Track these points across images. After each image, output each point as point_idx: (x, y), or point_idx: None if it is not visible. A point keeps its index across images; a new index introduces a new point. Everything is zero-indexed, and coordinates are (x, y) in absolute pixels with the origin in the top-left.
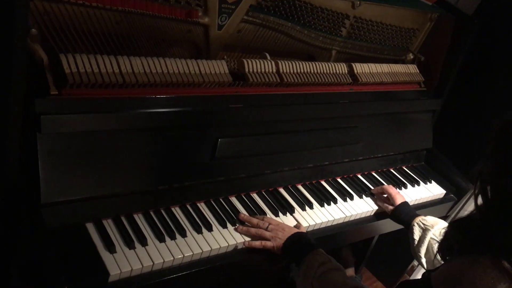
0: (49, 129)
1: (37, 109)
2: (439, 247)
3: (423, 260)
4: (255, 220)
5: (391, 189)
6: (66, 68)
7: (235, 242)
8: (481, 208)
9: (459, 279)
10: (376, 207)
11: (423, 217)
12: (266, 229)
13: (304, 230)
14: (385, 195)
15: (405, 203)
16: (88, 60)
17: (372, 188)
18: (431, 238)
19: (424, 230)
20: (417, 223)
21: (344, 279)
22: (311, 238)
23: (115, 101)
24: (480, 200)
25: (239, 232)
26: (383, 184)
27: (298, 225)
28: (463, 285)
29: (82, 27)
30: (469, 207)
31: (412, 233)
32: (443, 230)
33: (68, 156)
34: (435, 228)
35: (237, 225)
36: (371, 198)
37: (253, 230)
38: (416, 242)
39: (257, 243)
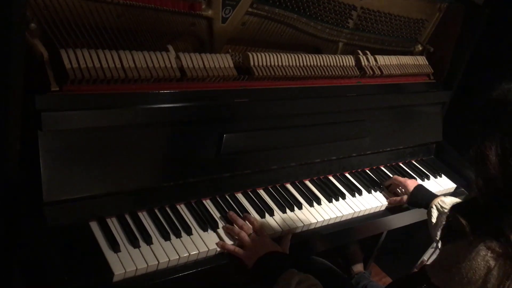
0: (50, 126)
1: (37, 106)
2: (440, 233)
3: (440, 244)
4: (240, 221)
5: (399, 178)
6: (67, 63)
7: None
8: (482, 190)
9: (453, 261)
10: (385, 202)
11: (442, 198)
12: (249, 236)
13: (287, 250)
14: (397, 187)
15: (419, 186)
16: (89, 55)
17: (379, 182)
18: None
19: (441, 213)
20: (435, 205)
21: None
22: (288, 258)
23: (118, 96)
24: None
25: (224, 230)
26: None
27: (284, 239)
28: (457, 267)
29: (82, 21)
30: None
31: (430, 215)
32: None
33: (70, 153)
34: None
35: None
36: (383, 194)
37: (236, 230)
38: (433, 225)
39: (230, 247)
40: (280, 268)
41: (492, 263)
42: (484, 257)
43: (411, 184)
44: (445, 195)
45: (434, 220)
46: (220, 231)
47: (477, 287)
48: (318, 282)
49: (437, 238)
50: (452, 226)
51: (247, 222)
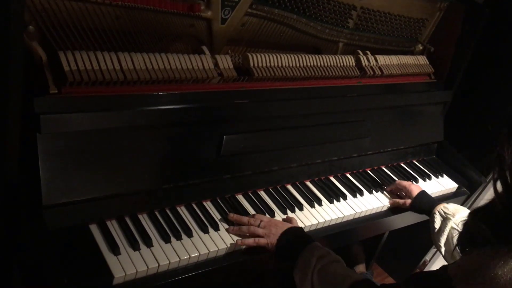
0: (49, 129)
1: (36, 109)
2: (458, 239)
3: (443, 250)
4: (245, 218)
5: (403, 182)
6: (66, 65)
7: None
8: (501, 195)
9: (479, 271)
10: (386, 203)
11: (445, 205)
12: (259, 226)
13: (297, 224)
14: (399, 191)
15: (422, 192)
16: (88, 57)
17: (380, 182)
18: (451, 227)
19: (445, 219)
20: (438, 211)
21: (345, 271)
22: (306, 232)
23: (117, 98)
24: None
25: (231, 233)
26: (393, 179)
27: (289, 219)
28: (482, 277)
29: (81, 23)
30: (482, 201)
31: (433, 221)
32: (465, 219)
33: (70, 156)
34: (457, 217)
35: (229, 226)
36: (386, 195)
37: (244, 228)
38: (436, 231)
39: (250, 241)
40: (301, 243)
41: None
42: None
43: (415, 189)
44: (447, 202)
45: (437, 226)
46: (221, 232)
47: None
48: (340, 258)
49: (440, 244)
50: (473, 233)
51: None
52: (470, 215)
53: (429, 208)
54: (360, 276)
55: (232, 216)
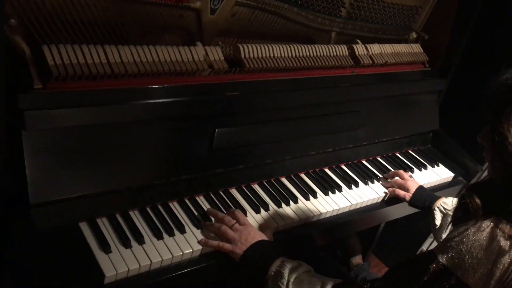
0: (34, 126)
1: (20, 105)
2: (453, 214)
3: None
4: (220, 215)
5: (399, 180)
6: (50, 60)
7: None
8: (498, 170)
9: (463, 241)
10: (382, 194)
11: (444, 200)
12: (231, 227)
13: (271, 238)
14: (397, 180)
15: (421, 188)
16: (73, 51)
17: (377, 173)
18: None
19: (445, 215)
20: (437, 207)
21: (320, 277)
22: (277, 247)
23: (104, 93)
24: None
25: (204, 227)
26: (388, 169)
27: (267, 228)
28: (466, 247)
29: (66, 16)
30: None
31: (433, 218)
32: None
33: (56, 153)
34: None
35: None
36: (383, 187)
37: (216, 225)
38: (437, 227)
39: (214, 243)
40: (270, 257)
41: (503, 245)
42: (495, 238)
43: (412, 185)
44: (444, 192)
45: (438, 222)
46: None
47: (487, 269)
48: (311, 268)
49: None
50: (466, 207)
51: (227, 215)
52: (467, 188)
53: (429, 204)
54: (337, 280)
55: (210, 210)
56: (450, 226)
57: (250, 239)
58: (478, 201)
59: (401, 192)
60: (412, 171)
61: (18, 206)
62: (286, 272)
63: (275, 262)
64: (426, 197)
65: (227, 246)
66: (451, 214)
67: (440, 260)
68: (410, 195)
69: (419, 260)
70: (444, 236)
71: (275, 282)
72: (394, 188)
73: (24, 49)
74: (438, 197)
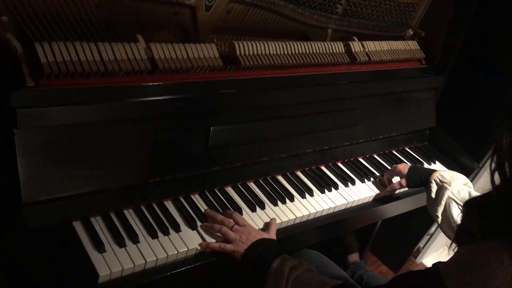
0: (26, 124)
1: (12, 103)
2: (455, 235)
3: (439, 219)
4: (220, 217)
5: (394, 168)
6: (42, 57)
7: None
8: (499, 186)
9: (472, 266)
10: (378, 191)
11: (441, 172)
12: (231, 229)
13: (274, 237)
14: (390, 176)
15: (412, 167)
16: (66, 48)
17: (374, 170)
18: (448, 197)
19: (441, 188)
20: (434, 179)
21: (321, 278)
22: (278, 246)
23: (97, 91)
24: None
25: (203, 230)
26: (385, 167)
27: (269, 225)
28: (476, 273)
29: (58, 13)
30: (475, 187)
31: (429, 189)
32: (462, 187)
33: (49, 151)
34: (453, 185)
35: (204, 223)
36: (380, 185)
37: (216, 227)
38: (432, 199)
39: (215, 245)
40: (270, 256)
41: None
42: (508, 267)
43: (403, 168)
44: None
45: (433, 195)
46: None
47: None
48: (312, 266)
49: (437, 214)
50: (467, 226)
51: (226, 216)
52: (464, 206)
53: (426, 178)
54: (337, 281)
55: (208, 211)
56: (445, 200)
57: (251, 238)
58: (479, 220)
59: (396, 184)
60: None
61: (10, 205)
62: (286, 271)
63: (275, 261)
64: (421, 173)
65: (229, 246)
66: (448, 187)
67: (447, 285)
68: (404, 180)
69: (425, 278)
70: (439, 209)
71: (276, 281)
72: (390, 186)
73: (16, 46)
74: (434, 170)
